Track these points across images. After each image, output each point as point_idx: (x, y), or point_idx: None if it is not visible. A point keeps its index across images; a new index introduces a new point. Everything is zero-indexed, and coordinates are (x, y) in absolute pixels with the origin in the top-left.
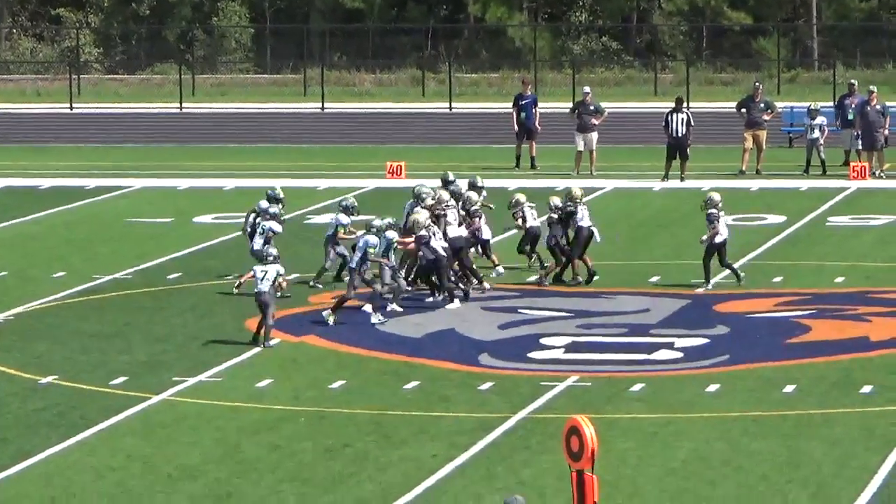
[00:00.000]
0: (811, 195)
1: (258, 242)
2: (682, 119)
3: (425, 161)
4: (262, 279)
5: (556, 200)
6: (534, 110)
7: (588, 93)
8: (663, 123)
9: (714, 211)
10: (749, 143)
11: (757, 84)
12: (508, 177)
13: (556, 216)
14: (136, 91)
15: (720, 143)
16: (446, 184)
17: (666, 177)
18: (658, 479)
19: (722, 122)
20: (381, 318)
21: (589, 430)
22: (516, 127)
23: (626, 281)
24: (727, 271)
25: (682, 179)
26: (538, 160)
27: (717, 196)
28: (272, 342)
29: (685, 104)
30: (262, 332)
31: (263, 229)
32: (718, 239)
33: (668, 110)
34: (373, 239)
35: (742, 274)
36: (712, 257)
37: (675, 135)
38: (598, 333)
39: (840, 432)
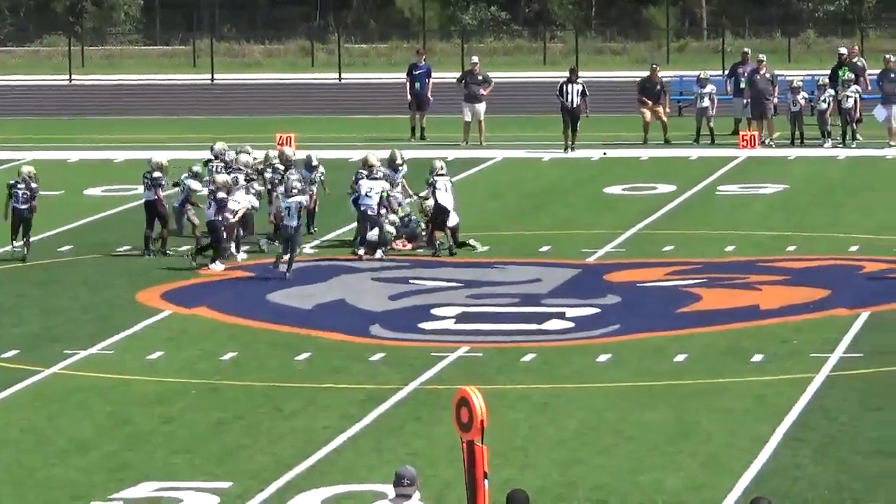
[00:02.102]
0: (701, 164)
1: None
2: (577, 90)
3: (315, 132)
4: (290, 214)
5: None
6: (427, 81)
7: (476, 63)
8: (557, 92)
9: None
10: (647, 117)
11: (654, 65)
12: (401, 147)
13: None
14: (25, 63)
15: (611, 112)
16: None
17: (568, 147)
18: (549, 450)
19: (613, 92)
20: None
21: (478, 401)
22: (409, 97)
23: (516, 251)
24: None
25: (572, 149)
26: (427, 131)
27: (437, 163)
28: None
29: (578, 75)
30: (288, 265)
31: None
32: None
33: (562, 80)
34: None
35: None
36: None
37: (570, 106)
38: (488, 304)
39: (731, 401)
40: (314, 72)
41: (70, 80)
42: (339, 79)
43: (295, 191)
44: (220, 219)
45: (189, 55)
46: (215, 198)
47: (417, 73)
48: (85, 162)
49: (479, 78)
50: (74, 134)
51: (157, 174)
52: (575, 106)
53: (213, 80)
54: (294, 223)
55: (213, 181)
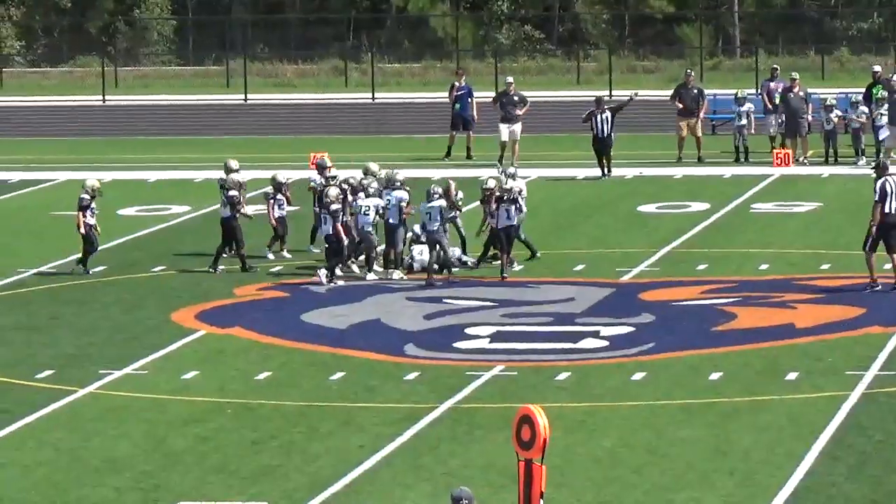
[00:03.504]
0: (735, 182)
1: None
2: (606, 118)
3: (348, 152)
4: (431, 218)
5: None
6: (469, 101)
7: (511, 83)
8: (584, 118)
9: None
10: (684, 132)
11: (688, 71)
12: (436, 166)
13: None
14: (59, 84)
15: (643, 131)
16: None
17: (604, 175)
18: (584, 468)
19: (645, 111)
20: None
21: (542, 420)
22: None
23: (550, 270)
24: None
25: (608, 174)
26: (458, 149)
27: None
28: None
29: (605, 104)
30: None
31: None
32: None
33: (590, 108)
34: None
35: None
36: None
37: (600, 135)
38: (523, 323)
39: (766, 420)
40: (348, 91)
41: (103, 100)
42: (373, 98)
43: (436, 195)
44: (333, 232)
45: (222, 75)
46: (329, 211)
47: (458, 93)
48: (118, 182)
49: (515, 98)
50: (108, 154)
51: (232, 192)
52: (605, 135)
53: (246, 99)
54: (436, 226)
55: (327, 195)
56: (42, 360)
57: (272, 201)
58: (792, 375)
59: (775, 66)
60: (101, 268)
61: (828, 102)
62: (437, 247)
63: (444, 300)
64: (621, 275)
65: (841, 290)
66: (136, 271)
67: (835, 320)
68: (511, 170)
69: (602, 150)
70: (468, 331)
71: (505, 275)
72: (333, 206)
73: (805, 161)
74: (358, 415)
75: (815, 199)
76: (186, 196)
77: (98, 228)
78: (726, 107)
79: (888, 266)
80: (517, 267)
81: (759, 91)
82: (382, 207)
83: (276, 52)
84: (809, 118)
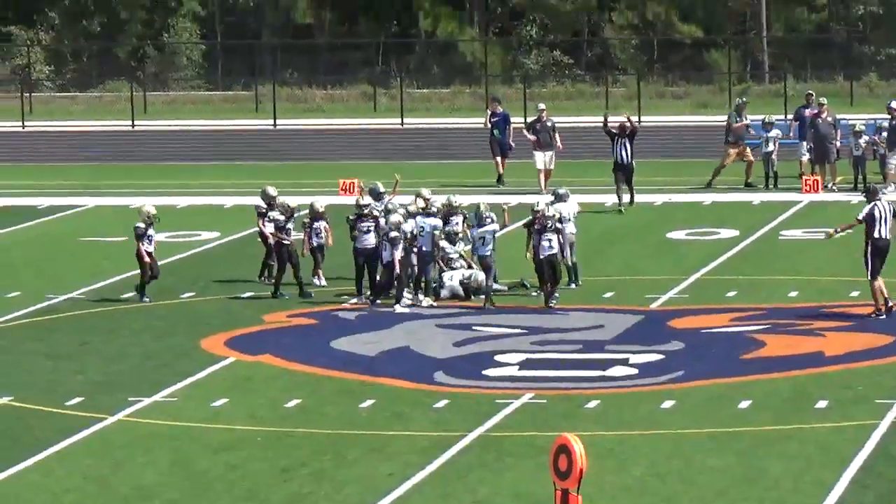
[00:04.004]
0: (763, 209)
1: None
2: (626, 144)
3: (378, 177)
4: (485, 242)
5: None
6: (506, 128)
7: (543, 109)
8: (606, 130)
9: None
10: (731, 159)
11: (744, 99)
12: (489, 193)
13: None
14: (88, 109)
15: (672, 157)
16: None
17: (621, 208)
18: (614, 497)
19: (673, 136)
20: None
21: (579, 449)
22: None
23: (579, 297)
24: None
25: (631, 203)
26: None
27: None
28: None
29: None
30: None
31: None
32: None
33: (615, 125)
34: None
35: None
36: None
37: (622, 162)
38: (552, 350)
39: (795, 448)
40: (377, 117)
41: (133, 125)
42: (402, 123)
43: (489, 220)
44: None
45: (251, 100)
46: (388, 238)
47: (495, 120)
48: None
49: (549, 125)
50: (137, 179)
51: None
52: (626, 162)
53: (275, 125)
54: (488, 251)
55: (388, 221)
56: (71, 387)
57: (309, 230)
58: (821, 404)
59: (810, 92)
60: (129, 294)
61: (856, 128)
62: (490, 271)
63: (474, 327)
64: (650, 302)
65: (870, 318)
66: (166, 298)
67: (864, 348)
68: (562, 190)
69: (624, 176)
70: (498, 358)
71: (552, 303)
72: (393, 234)
73: (834, 187)
74: (387, 442)
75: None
76: (216, 222)
77: (155, 254)
78: (755, 131)
79: (855, 293)
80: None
81: (793, 117)
82: (414, 234)
83: (305, 77)
84: (838, 144)
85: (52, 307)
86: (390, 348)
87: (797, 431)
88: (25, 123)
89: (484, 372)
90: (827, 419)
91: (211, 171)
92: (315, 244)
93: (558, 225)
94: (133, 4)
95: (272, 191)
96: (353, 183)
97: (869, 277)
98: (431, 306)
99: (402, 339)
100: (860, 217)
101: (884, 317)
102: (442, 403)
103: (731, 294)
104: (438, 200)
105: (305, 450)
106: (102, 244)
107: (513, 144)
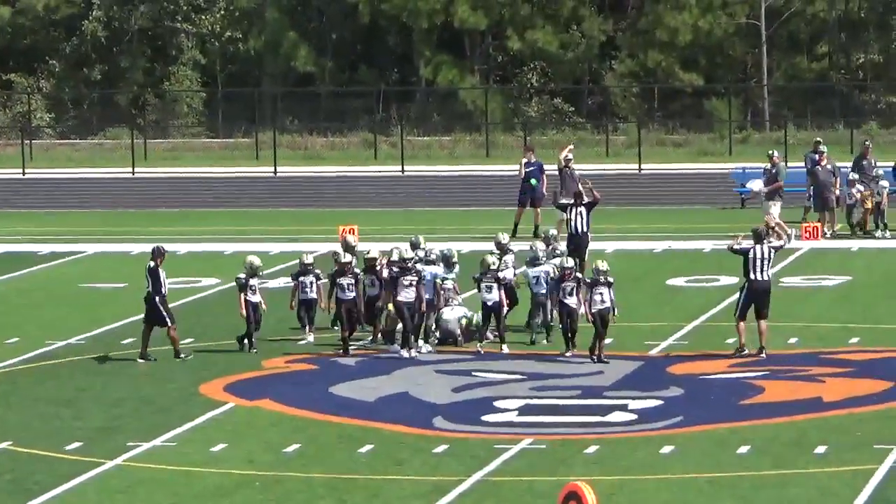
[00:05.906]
0: None
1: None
2: (582, 212)
3: (378, 224)
4: (538, 282)
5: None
6: (542, 177)
7: (570, 159)
8: (553, 200)
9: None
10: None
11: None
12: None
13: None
14: (89, 156)
15: (672, 204)
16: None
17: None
18: None
19: (673, 183)
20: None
21: (590, 497)
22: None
23: (578, 343)
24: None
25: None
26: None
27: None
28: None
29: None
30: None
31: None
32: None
33: (569, 202)
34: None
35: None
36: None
37: (574, 232)
38: (551, 396)
39: (795, 493)
40: (377, 164)
41: (133, 172)
42: (402, 171)
43: (543, 260)
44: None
45: (251, 147)
46: (496, 279)
47: (529, 169)
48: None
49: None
50: (137, 226)
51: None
52: (582, 232)
53: (275, 172)
54: (543, 290)
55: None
56: (71, 432)
57: (297, 283)
58: (820, 449)
59: (818, 139)
60: (129, 340)
61: (851, 177)
62: (541, 309)
63: (473, 373)
64: (650, 348)
65: (870, 364)
66: (165, 343)
67: (862, 394)
68: (552, 231)
69: (576, 250)
70: (497, 404)
71: (603, 359)
72: (502, 273)
73: (828, 234)
74: (386, 488)
75: (845, 272)
76: (216, 269)
77: (264, 304)
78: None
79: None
80: (545, 342)
81: (805, 164)
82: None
83: (306, 125)
84: (837, 192)
85: (52, 353)
86: (389, 394)
87: (796, 477)
88: (26, 170)
89: (483, 417)
90: (826, 464)
91: (211, 218)
92: (309, 298)
93: (609, 279)
94: (134, 53)
95: (257, 261)
96: (353, 229)
97: (736, 315)
98: (430, 352)
99: (402, 385)
100: (736, 249)
101: (762, 356)
102: (441, 448)
103: (730, 340)
104: (436, 248)
105: (304, 495)
106: (102, 290)
107: (546, 193)
